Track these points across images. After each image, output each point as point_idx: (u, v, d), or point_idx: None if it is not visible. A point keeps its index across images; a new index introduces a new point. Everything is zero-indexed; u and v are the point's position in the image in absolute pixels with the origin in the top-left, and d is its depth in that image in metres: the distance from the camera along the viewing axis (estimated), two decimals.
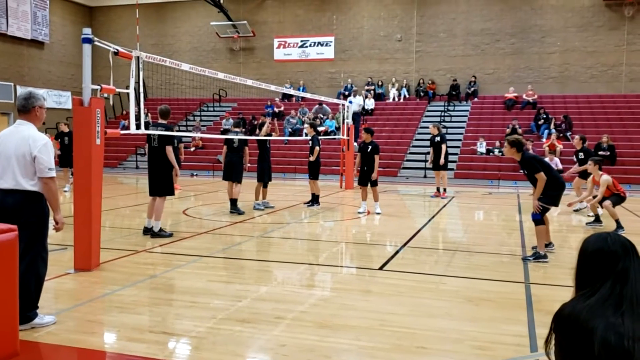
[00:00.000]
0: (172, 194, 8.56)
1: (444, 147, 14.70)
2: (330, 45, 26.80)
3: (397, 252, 7.49)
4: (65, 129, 15.49)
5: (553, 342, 1.97)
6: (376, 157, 11.01)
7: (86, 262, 6.18)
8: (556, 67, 23.92)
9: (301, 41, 27.25)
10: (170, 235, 8.33)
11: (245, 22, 27.26)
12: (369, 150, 11.05)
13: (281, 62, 27.55)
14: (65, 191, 15.06)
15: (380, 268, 6.53)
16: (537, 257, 7.06)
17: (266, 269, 6.66)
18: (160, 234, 8.27)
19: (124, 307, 4.96)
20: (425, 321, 4.72)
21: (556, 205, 7.27)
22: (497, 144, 20.52)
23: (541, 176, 6.89)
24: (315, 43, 27.04)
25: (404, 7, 25.71)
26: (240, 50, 28.27)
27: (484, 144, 20.81)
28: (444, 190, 14.87)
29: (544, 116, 21.28)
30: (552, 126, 20.75)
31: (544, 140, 19.95)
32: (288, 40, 27.44)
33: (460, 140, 21.93)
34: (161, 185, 8.28)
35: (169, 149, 8.15)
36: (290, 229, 9.58)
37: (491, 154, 20.43)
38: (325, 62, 26.93)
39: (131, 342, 4.13)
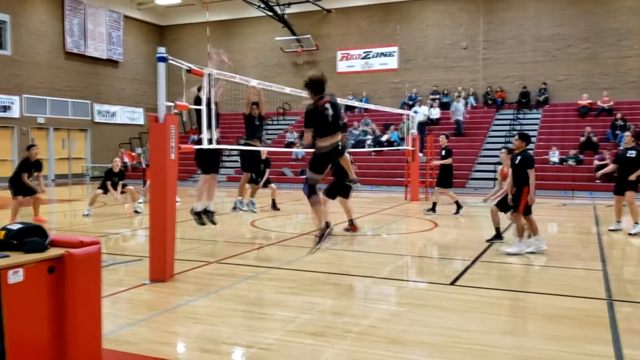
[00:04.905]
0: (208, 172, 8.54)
1: None
2: (393, 56, 26.68)
3: (468, 267, 7.29)
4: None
5: None
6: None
7: (161, 273, 6.37)
8: (635, 71, 22.76)
9: (364, 52, 27.28)
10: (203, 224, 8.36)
11: (309, 36, 27.60)
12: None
13: (344, 74, 27.67)
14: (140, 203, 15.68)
15: (452, 283, 6.37)
16: None
17: (334, 281, 6.64)
18: (194, 214, 8.36)
19: (198, 318, 5.07)
20: (501, 339, 4.55)
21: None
22: (571, 152, 19.73)
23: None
24: (378, 54, 27.01)
25: (469, 15, 25.27)
26: (303, 64, 28.60)
27: (557, 153, 20.05)
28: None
29: (621, 123, 20.26)
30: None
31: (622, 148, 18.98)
32: (351, 52, 27.54)
33: (531, 149, 21.20)
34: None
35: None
36: (355, 242, 9.52)
37: (564, 163, 19.64)
38: (388, 72, 26.81)
39: (205, 353, 4.20)
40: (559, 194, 18.08)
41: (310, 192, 6.48)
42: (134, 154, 26.76)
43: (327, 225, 6.61)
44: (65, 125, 26.15)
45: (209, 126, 7.31)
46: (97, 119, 27.47)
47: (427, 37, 26.09)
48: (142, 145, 27.10)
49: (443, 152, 13.03)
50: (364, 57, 27.32)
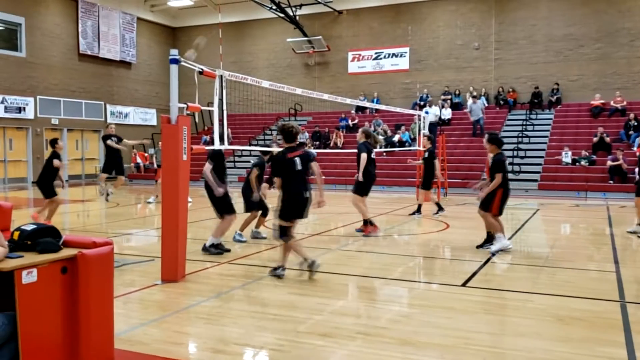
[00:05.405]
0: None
1: None
2: (405, 56, 26.63)
3: (480, 268, 7.26)
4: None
5: None
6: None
7: (173, 273, 6.41)
8: None
9: (375, 53, 27.26)
10: (220, 253, 8.05)
11: (320, 37, 27.62)
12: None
13: (355, 74, 27.66)
14: (150, 202, 15.80)
15: (463, 284, 6.35)
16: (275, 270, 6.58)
17: (344, 282, 6.65)
18: (209, 249, 8.07)
19: (209, 318, 5.09)
20: (512, 340, 4.53)
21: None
22: (584, 153, 19.58)
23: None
24: (389, 54, 26.96)
25: (481, 15, 25.17)
26: (315, 65, 28.64)
27: (570, 153, 19.91)
28: None
29: (635, 123, 20.07)
30: None
31: (635, 149, 18.79)
32: (362, 53, 27.52)
33: (544, 150, 21.10)
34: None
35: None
36: (367, 242, 9.51)
37: (577, 164, 19.50)
38: (399, 73, 26.77)
39: (216, 353, 4.22)
40: (572, 195, 17.96)
41: (282, 236, 6.58)
42: (146, 154, 26.92)
43: (313, 262, 6.50)
44: (78, 126, 26.38)
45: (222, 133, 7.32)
46: (110, 120, 27.63)
47: (439, 37, 26.00)
48: (155, 146, 27.29)
49: (426, 155, 12.87)
50: (375, 58, 27.29)
